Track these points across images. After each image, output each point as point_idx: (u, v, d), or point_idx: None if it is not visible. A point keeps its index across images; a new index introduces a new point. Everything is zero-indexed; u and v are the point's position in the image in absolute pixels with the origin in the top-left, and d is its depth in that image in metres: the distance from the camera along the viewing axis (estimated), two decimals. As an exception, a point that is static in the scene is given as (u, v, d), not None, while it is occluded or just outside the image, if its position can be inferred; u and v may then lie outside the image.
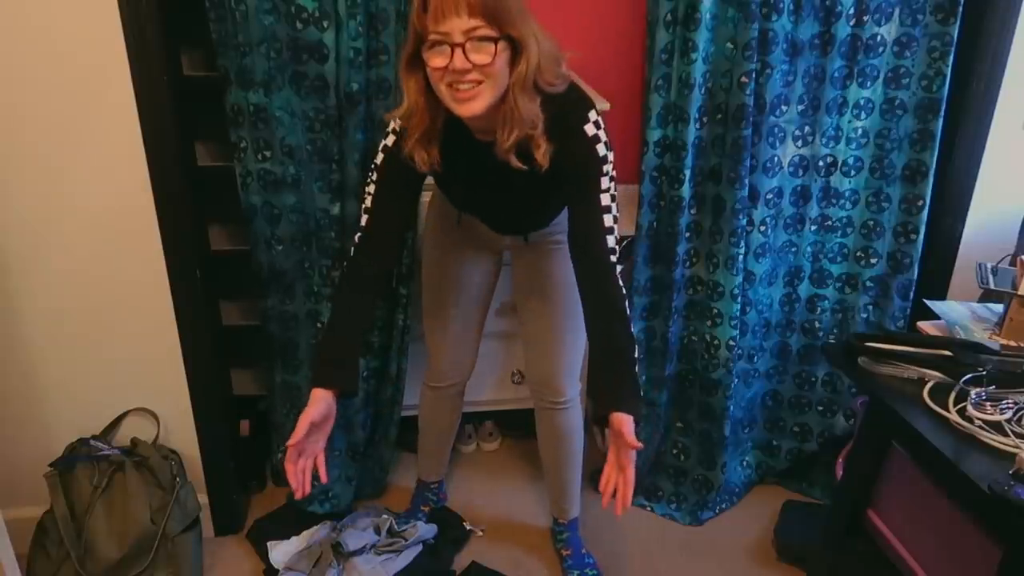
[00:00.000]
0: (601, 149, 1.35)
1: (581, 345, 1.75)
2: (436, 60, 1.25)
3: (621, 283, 1.37)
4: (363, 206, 1.49)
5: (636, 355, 1.36)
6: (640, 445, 1.26)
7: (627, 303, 1.37)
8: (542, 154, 1.34)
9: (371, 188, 1.47)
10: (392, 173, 1.46)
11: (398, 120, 1.41)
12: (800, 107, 1.84)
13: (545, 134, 1.33)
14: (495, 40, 1.24)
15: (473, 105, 1.28)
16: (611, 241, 1.36)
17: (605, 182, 1.35)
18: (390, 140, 1.44)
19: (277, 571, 1.82)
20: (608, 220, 1.36)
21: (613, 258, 1.36)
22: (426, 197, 1.81)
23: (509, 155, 1.34)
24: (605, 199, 1.35)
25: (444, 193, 1.64)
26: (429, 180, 1.71)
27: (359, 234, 1.47)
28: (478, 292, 1.78)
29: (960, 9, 1.72)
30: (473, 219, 1.65)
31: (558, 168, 1.36)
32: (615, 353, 1.35)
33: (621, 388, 1.32)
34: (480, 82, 1.26)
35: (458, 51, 1.23)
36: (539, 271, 1.69)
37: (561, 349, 1.71)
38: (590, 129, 1.35)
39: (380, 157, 1.46)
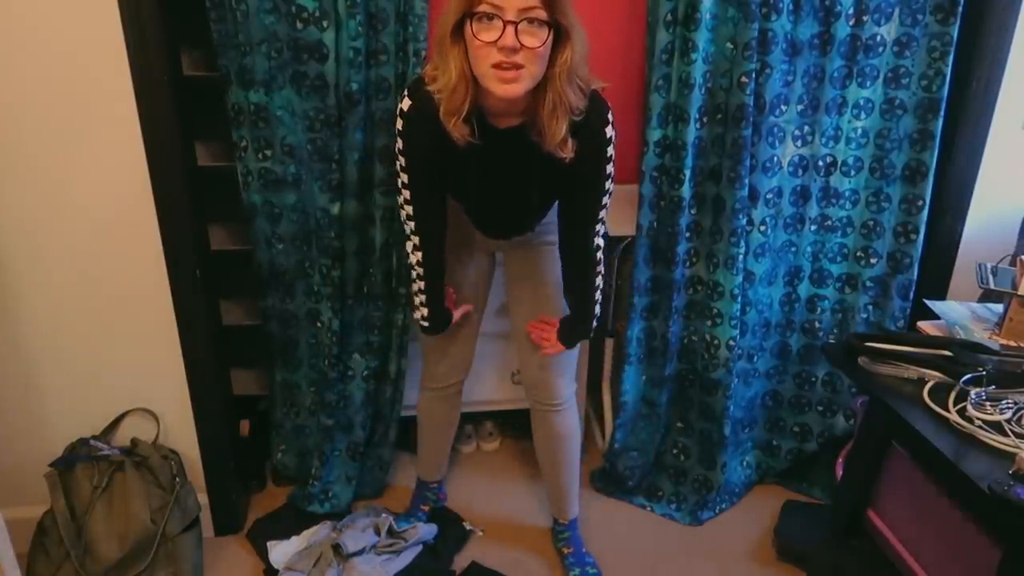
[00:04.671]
0: (612, 151, 1.44)
1: (575, 347, 1.75)
2: (485, 34, 1.24)
3: (600, 262, 1.58)
4: (403, 203, 1.50)
5: (598, 301, 1.63)
6: (561, 349, 1.69)
7: (599, 272, 1.59)
8: (569, 147, 1.37)
9: (407, 192, 1.48)
10: (417, 156, 1.45)
11: (408, 100, 1.39)
12: (800, 107, 1.84)
13: (571, 129, 1.36)
14: (548, 25, 1.24)
15: (515, 87, 1.28)
16: (600, 228, 1.54)
17: (608, 184, 1.48)
18: (400, 124, 1.42)
19: (277, 571, 1.82)
20: (601, 213, 1.51)
21: (599, 241, 1.55)
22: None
23: (557, 146, 1.36)
24: (605, 199, 1.49)
25: (451, 182, 1.59)
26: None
27: (416, 239, 1.54)
28: (473, 292, 1.77)
29: (960, 9, 1.72)
30: (467, 220, 1.65)
31: (575, 161, 1.41)
32: (579, 309, 1.65)
33: (575, 331, 1.67)
34: (522, 67, 1.26)
35: (509, 28, 1.22)
36: (531, 273, 1.70)
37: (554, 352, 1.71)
38: (609, 131, 1.42)
39: (400, 143, 1.43)
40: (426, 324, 1.66)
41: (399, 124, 1.42)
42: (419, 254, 1.56)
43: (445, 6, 1.31)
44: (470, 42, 1.27)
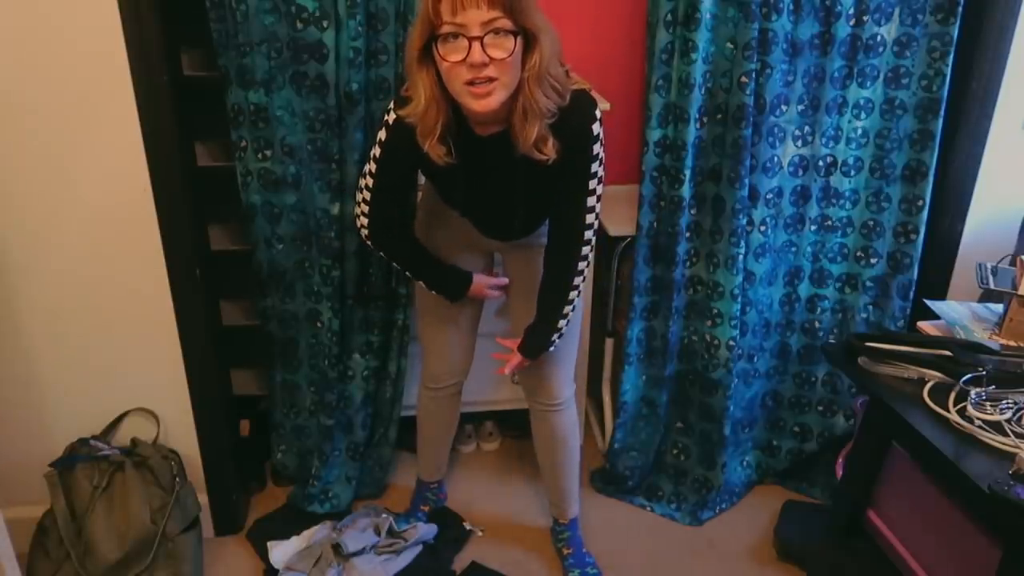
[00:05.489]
0: (598, 148, 1.41)
1: (574, 346, 1.75)
2: (452, 55, 1.24)
3: (583, 269, 1.53)
4: (362, 196, 1.53)
5: (567, 316, 1.59)
6: (525, 363, 1.66)
7: (579, 282, 1.55)
8: (549, 147, 1.36)
9: (370, 180, 1.50)
10: (392, 166, 1.48)
11: (394, 114, 1.40)
12: (800, 107, 1.83)
13: (551, 129, 1.35)
14: (514, 34, 1.24)
15: (490, 101, 1.28)
16: (588, 234, 1.48)
17: (594, 184, 1.44)
18: (383, 135, 1.44)
19: (277, 571, 1.82)
20: (590, 217, 1.47)
21: (587, 249, 1.50)
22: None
23: (532, 150, 1.35)
24: (591, 200, 1.45)
25: (439, 190, 1.62)
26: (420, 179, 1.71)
27: (365, 219, 1.55)
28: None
29: (960, 9, 1.72)
30: (463, 220, 1.65)
31: (561, 162, 1.39)
32: (547, 312, 1.59)
33: (535, 339, 1.62)
34: (495, 79, 1.25)
35: (475, 44, 1.21)
36: (530, 273, 1.69)
37: (553, 351, 1.71)
38: (596, 128, 1.40)
39: (378, 151, 1.47)
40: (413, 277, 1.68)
41: (382, 134, 1.44)
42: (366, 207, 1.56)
43: (410, 32, 1.31)
44: (440, 64, 1.27)
